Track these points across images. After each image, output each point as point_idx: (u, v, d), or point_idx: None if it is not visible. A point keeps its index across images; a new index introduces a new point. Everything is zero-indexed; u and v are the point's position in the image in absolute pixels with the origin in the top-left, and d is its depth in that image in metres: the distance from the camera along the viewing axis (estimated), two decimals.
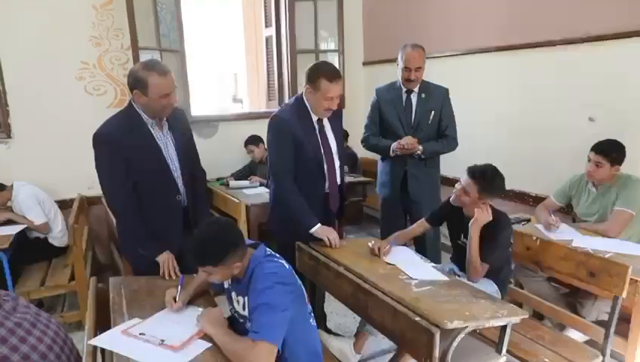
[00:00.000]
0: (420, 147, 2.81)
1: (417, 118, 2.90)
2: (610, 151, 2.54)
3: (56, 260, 3.33)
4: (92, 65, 3.77)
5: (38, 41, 3.56)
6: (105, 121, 2.09)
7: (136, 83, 1.98)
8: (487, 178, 2.14)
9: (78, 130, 3.30)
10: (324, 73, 2.22)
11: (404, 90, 2.90)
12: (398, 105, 2.92)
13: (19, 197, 3.23)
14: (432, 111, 2.89)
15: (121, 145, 2.03)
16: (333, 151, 2.44)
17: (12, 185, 3.30)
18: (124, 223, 2.22)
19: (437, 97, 2.90)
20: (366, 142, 3.04)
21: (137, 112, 2.07)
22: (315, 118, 2.37)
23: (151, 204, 2.15)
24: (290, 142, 2.30)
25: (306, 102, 2.34)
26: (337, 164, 2.47)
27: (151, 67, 1.97)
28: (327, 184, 2.45)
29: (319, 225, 2.33)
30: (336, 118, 2.45)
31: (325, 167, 2.41)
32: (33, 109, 3.61)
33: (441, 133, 2.94)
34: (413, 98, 2.90)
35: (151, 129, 2.10)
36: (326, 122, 2.42)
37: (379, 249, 2.24)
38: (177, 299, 1.76)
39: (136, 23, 3.60)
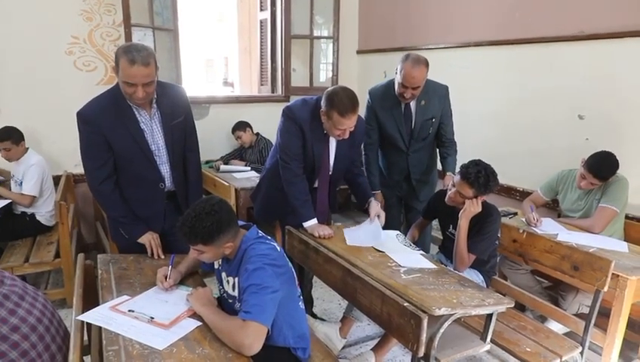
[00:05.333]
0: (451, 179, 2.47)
1: (417, 128, 2.77)
2: (608, 176, 2.53)
3: (40, 237, 3.28)
4: (82, 40, 3.68)
5: (26, 13, 3.47)
6: (91, 100, 2.04)
7: (115, 60, 1.91)
8: (482, 182, 2.13)
9: (66, 106, 3.21)
10: (337, 109, 2.12)
11: None
12: (397, 116, 2.76)
13: (30, 160, 3.21)
14: (433, 119, 2.76)
15: (102, 127, 1.98)
16: (330, 158, 2.43)
17: (28, 148, 3.28)
18: (102, 205, 2.21)
19: (437, 101, 2.76)
20: (365, 161, 2.88)
21: (122, 93, 1.98)
22: None
23: (132, 188, 2.12)
24: (299, 135, 2.30)
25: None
26: (331, 170, 2.46)
27: (127, 50, 1.85)
28: (316, 182, 2.47)
29: (315, 221, 2.34)
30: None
31: (319, 171, 2.42)
32: (21, 84, 3.53)
33: (441, 137, 2.84)
34: (412, 105, 2.74)
35: (136, 112, 2.03)
36: None
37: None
38: (168, 278, 1.76)
39: None
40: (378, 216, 2.35)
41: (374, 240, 2.26)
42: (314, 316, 2.74)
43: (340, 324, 2.48)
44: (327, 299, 3.16)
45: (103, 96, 2.05)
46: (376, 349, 2.28)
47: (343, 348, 2.50)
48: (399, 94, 2.65)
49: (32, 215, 3.25)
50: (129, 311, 1.56)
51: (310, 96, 2.37)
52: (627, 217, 2.72)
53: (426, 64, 2.56)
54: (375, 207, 2.40)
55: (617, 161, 2.53)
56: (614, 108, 2.84)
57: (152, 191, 2.15)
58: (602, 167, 2.53)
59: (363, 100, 2.89)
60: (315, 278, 2.72)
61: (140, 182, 2.12)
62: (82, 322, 1.52)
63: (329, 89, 2.22)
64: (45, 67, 3.59)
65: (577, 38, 2.97)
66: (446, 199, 2.31)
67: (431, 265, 2.04)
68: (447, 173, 2.75)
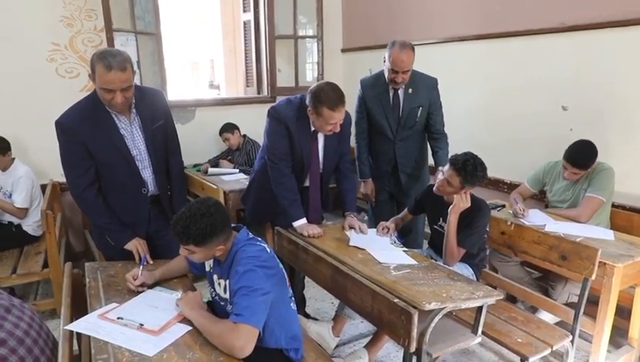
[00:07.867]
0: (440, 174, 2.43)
1: (404, 116, 2.80)
2: (588, 163, 2.56)
3: (28, 247, 3.24)
4: (64, 46, 3.64)
5: (4, 20, 3.42)
6: (68, 108, 2.01)
7: (90, 67, 1.89)
8: (469, 170, 2.14)
9: (50, 113, 3.15)
10: (326, 103, 2.15)
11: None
12: (385, 103, 2.81)
13: (18, 171, 3.17)
14: (420, 108, 2.79)
15: (81, 135, 1.96)
16: (320, 156, 2.43)
17: (14, 158, 3.24)
18: (86, 213, 2.19)
19: (424, 91, 2.80)
20: (356, 150, 2.98)
21: (100, 99, 1.95)
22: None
23: (115, 194, 2.10)
24: (285, 134, 2.31)
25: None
26: (321, 168, 2.47)
27: (102, 56, 1.83)
28: (307, 181, 2.48)
29: (304, 220, 2.35)
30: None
31: (308, 169, 2.42)
32: (3, 92, 3.48)
33: (430, 128, 2.86)
34: (400, 93, 2.79)
35: (114, 117, 2.01)
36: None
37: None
38: (137, 277, 1.78)
39: (110, 4, 3.49)
40: (355, 229, 2.39)
41: (376, 245, 2.25)
42: (307, 316, 2.74)
43: (333, 323, 2.48)
44: (319, 298, 3.16)
45: (81, 103, 2.02)
46: (369, 346, 2.29)
47: (337, 346, 2.51)
48: (391, 80, 2.71)
49: (19, 225, 3.21)
50: (118, 318, 1.55)
51: (294, 95, 2.37)
52: (613, 205, 2.74)
53: (412, 48, 2.66)
54: (349, 221, 2.45)
55: (594, 148, 2.56)
56: (596, 98, 2.87)
57: (136, 197, 2.13)
58: (579, 155, 2.57)
59: (348, 97, 2.90)
60: (307, 278, 2.72)
61: (122, 188, 2.10)
62: (71, 332, 1.50)
63: (312, 87, 2.23)
64: (27, 75, 3.54)
65: (559, 30, 3.00)
66: (434, 189, 2.32)
67: (412, 261, 2.04)
68: (439, 168, 2.76)
